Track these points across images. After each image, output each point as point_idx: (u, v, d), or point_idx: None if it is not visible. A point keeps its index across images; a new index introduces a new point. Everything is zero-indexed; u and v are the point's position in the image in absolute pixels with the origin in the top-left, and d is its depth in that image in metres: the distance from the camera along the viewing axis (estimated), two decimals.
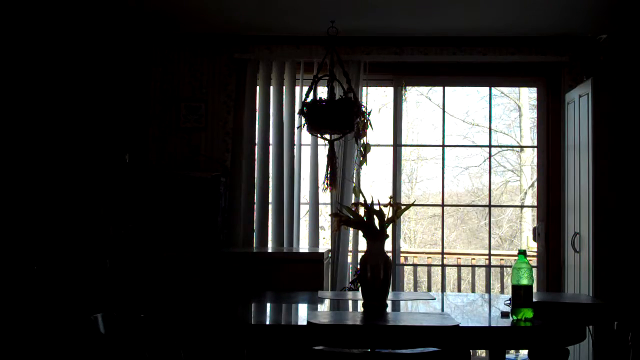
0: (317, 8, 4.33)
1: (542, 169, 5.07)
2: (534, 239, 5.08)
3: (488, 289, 6.13)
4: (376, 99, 9.86)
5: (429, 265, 6.86)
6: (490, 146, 5.76)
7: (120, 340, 2.72)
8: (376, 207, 3.08)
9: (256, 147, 4.98)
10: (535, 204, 5.18)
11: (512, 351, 5.57)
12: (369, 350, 2.50)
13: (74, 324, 4.05)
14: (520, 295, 2.73)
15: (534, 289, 3.22)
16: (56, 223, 4.31)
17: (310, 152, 4.94)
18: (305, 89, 4.18)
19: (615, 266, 4.18)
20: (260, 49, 5.02)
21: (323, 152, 4.25)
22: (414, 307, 3.25)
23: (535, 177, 6.49)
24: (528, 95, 10.43)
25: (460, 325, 2.59)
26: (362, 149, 4.59)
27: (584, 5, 4.21)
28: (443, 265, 5.82)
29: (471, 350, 5.28)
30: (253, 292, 3.80)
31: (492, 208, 5.89)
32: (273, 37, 5.01)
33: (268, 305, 3.35)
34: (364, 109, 3.99)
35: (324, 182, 3.96)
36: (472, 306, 3.41)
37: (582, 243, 4.42)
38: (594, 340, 3.94)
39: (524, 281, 2.73)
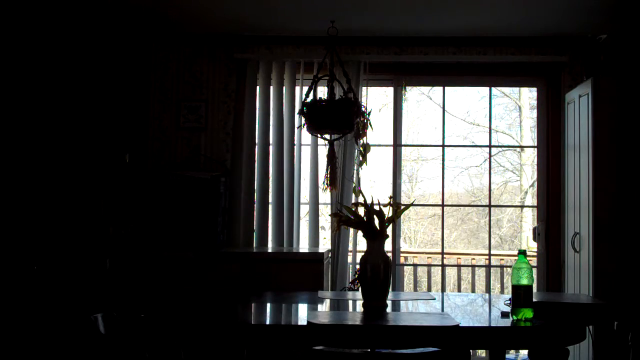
0: (317, 8, 4.33)
1: (542, 169, 5.07)
2: (534, 239, 5.08)
3: (488, 289, 6.13)
4: (376, 99, 9.86)
5: (429, 265, 6.85)
6: (490, 146, 5.76)
7: (120, 340, 2.72)
8: (376, 207, 3.09)
9: (256, 147, 4.97)
10: (535, 204, 5.17)
11: (512, 351, 5.56)
12: (369, 350, 2.50)
13: (74, 324, 4.05)
14: (520, 295, 2.73)
15: (534, 289, 3.22)
16: (56, 223, 4.32)
17: (310, 152, 4.94)
18: (305, 89, 4.18)
19: (615, 266, 4.18)
20: (260, 49, 5.02)
21: (323, 152, 4.25)
22: (414, 307, 3.25)
23: (535, 177, 6.49)
24: (528, 95, 10.42)
25: (461, 325, 2.59)
26: (362, 149, 4.59)
27: (584, 5, 4.21)
28: (443, 265, 5.81)
29: (471, 350, 5.28)
30: (253, 292, 3.80)
31: (492, 208, 5.89)
32: (273, 37, 5.01)
33: (268, 305, 3.35)
34: (363, 109, 3.99)
35: (324, 182, 3.97)
36: (472, 306, 3.41)
37: (582, 243, 4.42)
38: (594, 340, 3.93)
39: (524, 281, 2.73)
